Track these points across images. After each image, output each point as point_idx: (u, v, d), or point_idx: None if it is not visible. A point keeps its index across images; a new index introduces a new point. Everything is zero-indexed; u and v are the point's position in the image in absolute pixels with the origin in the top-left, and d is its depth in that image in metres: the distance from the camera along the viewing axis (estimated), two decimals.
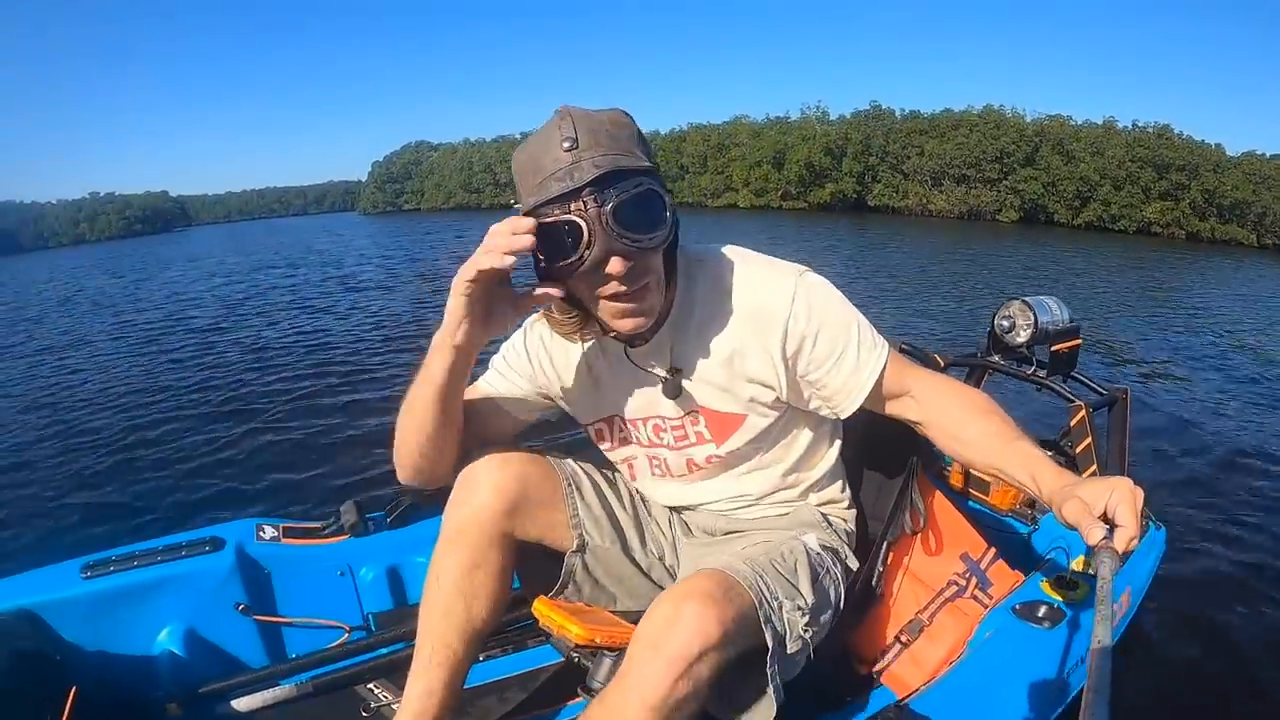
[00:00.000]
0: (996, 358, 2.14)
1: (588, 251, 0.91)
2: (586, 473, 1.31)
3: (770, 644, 1.02)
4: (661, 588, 1.29)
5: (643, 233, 0.93)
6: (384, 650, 1.59)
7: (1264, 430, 4.56)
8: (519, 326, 1.26)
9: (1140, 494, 0.87)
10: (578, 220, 0.90)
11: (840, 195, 44.87)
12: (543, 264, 0.96)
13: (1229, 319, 9.54)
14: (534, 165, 0.93)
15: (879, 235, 23.48)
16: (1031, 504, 2.10)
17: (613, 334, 1.12)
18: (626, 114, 0.98)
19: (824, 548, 1.24)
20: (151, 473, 3.97)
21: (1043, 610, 1.36)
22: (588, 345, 1.20)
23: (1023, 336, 1.99)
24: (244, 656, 1.59)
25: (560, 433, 1.63)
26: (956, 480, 2.20)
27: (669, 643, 0.90)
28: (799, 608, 1.08)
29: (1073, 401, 1.97)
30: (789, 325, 1.08)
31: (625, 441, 1.28)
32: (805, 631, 1.08)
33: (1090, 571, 1.44)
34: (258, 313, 10.21)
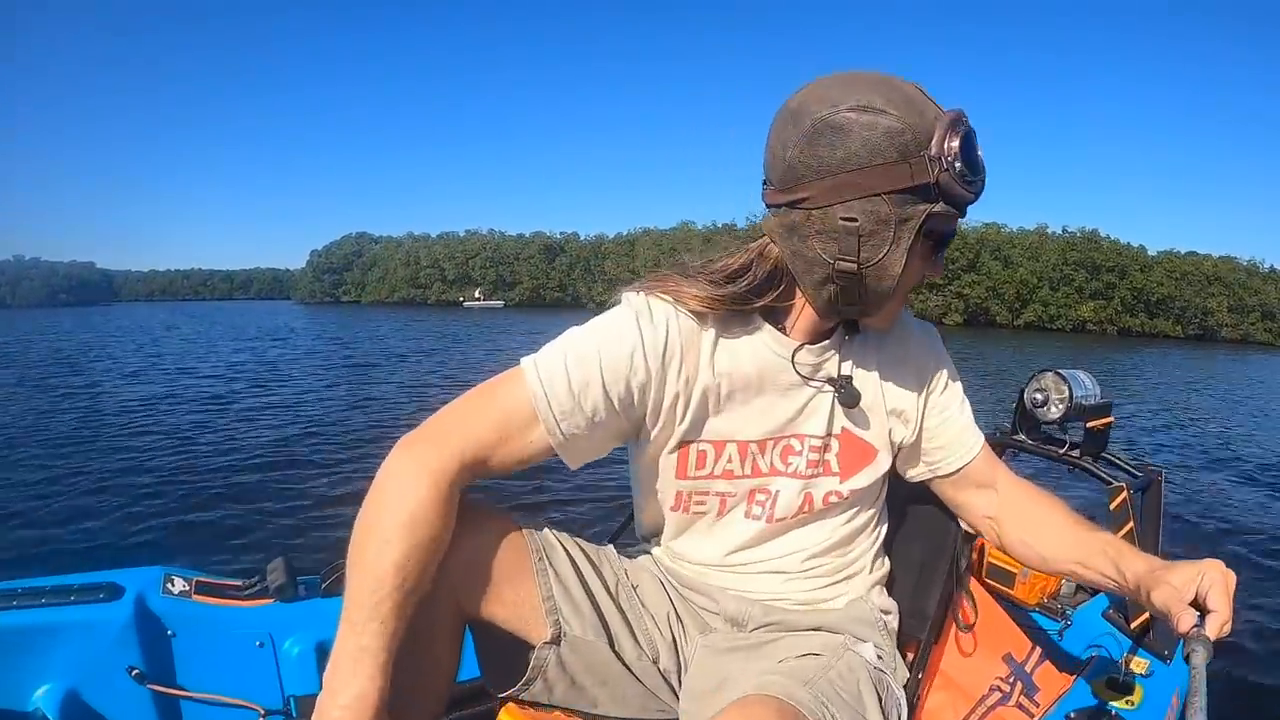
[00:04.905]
0: (1022, 436, 1.96)
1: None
2: (561, 543, 1.04)
3: None
4: (656, 696, 1.05)
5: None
6: None
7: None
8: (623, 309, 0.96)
9: (1233, 577, 0.84)
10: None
11: None
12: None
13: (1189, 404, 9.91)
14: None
15: None
16: (1058, 596, 1.92)
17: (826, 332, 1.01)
18: None
19: (882, 660, 1.05)
20: (61, 506, 3.80)
21: (1100, 718, 1.24)
22: (734, 341, 0.97)
23: (1055, 412, 1.82)
24: None
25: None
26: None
27: None
28: None
29: (1110, 483, 1.79)
30: (935, 361, 1.09)
31: (731, 474, 1.02)
32: None
33: (1141, 673, 1.41)
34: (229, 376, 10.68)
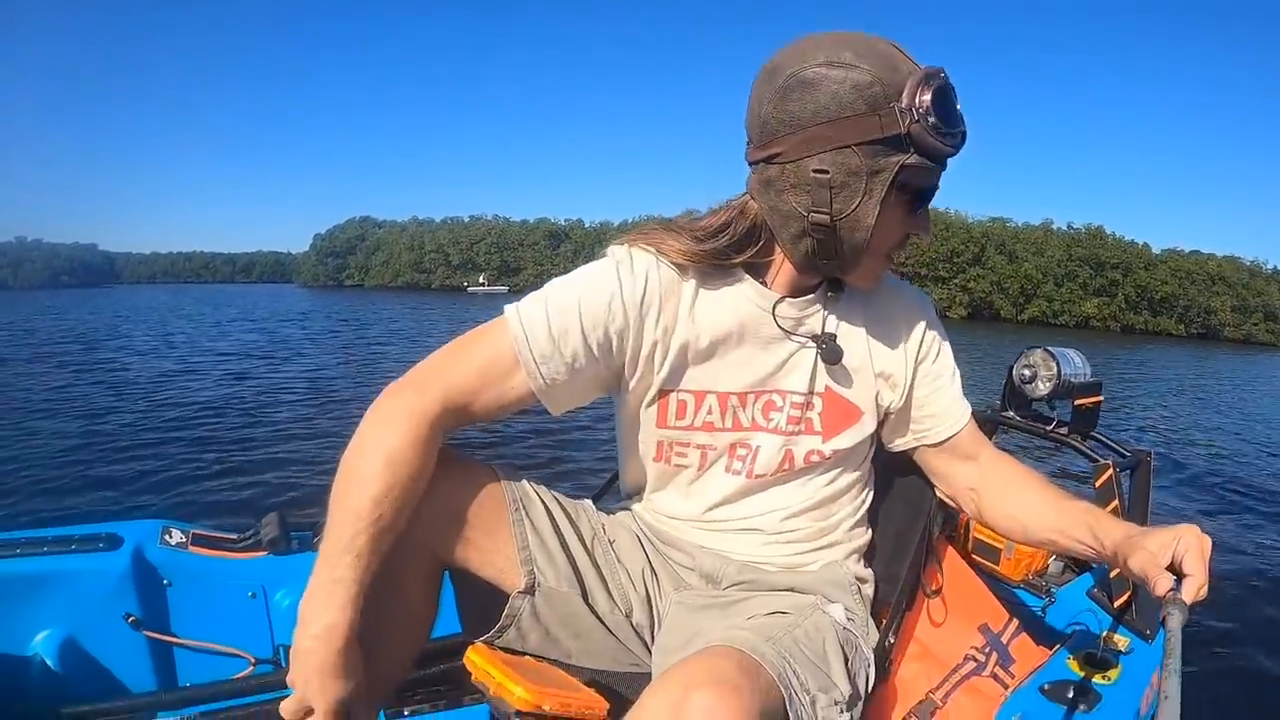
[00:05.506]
0: (1010, 413, 1.95)
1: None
2: (539, 495, 1.04)
3: None
4: (628, 649, 1.06)
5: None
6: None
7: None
8: (606, 263, 1.00)
9: (1208, 541, 0.86)
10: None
11: None
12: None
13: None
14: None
15: None
16: (1044, 574, 1.90)
17: (793, 290, 1.00)
18: None
19: (852, 621, 1.03)
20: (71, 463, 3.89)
21: (1075, 691, 1.21)
22: (715, 293, 0.98)
23: (1044, 388, 1.81)
24: (127, 678, 1.39)
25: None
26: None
27: None
28: (835, 702, 0.87)
29: (1097, 461, 1.78)
30: (926, 327, 1.08)
31: (711, 426, 1.02)
32: None
33: (1121, 650, 1.39)
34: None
